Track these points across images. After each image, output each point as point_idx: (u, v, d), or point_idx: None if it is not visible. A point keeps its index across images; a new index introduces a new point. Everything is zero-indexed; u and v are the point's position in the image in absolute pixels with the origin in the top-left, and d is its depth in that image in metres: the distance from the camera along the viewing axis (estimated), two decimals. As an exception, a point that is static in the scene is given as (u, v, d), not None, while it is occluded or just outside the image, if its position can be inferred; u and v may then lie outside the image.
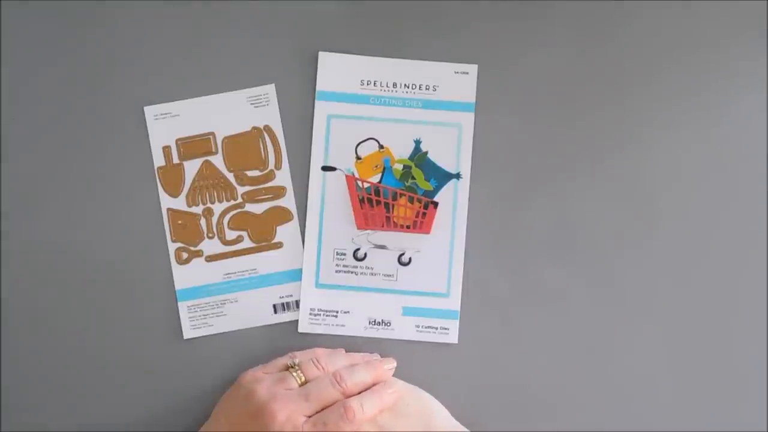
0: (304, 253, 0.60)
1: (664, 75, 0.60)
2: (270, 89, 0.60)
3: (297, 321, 0.60)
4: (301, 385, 0.55)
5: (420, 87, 0.60)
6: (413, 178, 0.60)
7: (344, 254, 0.60)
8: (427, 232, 0.60)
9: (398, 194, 0.60)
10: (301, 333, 0.60)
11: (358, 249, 0.60)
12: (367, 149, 0.60)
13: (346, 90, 0.60)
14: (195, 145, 0.60)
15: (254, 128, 0.60)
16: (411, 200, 0.60)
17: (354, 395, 0.55)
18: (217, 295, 0.60)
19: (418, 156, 0.60)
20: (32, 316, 0.59)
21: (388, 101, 0.60)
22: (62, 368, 0.59)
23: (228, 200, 0.61)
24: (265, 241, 0.60)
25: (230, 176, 0.61)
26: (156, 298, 0.60)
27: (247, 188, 0.61)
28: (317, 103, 0.60)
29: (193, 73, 0.60)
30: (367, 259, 0.60)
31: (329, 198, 0.60)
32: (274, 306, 0.60)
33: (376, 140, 0.60)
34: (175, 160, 0.60)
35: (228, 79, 0.60)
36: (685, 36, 0.60)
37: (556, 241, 0.60)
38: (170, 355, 0.60)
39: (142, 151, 0.60)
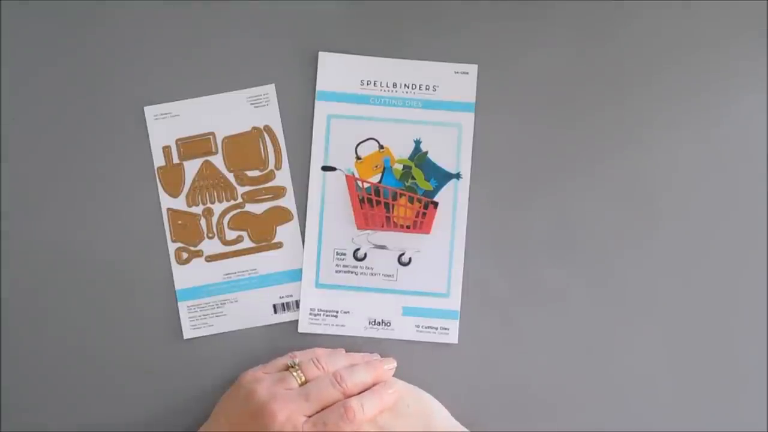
0: (304, 253, 0.60)
1: (664, 75, 0.60)
2: (270, 89, 0.60)
3: (297, 321, 0.60)
4: (301, 385, 0.55)
5: (420, 87, 0.60)
6: (413, 178, 0.60)
7: (344, 254, 0.60)
8: (427, 232, 0.60)
9: (398, 194, 0.60)
10: (301, 333, 0.60)
11: (358, 249, 0.60)
12: (367, 149, 0.60)
13: (346, 90, 0.60)
14: (195, 145, 0.60)
15: (254, 128, 0.60)
16: (411, 200, 0.60)
17: (354, 395, 0.55)
18: (217, 295, 0.60)
19: (418, 156, 0.60)
20: (32, 316, 0.59)
21: (388, 101, 0.60)
22: (62, 368, 0.59)
23: (228, 200, 0.61)
24: (265, 241, 0.60)
25: (230, 176, 0.60)
26: (156, 298, 0.60)
27: (247, 188, 0.61)
28: (317, 103, 0.60)
29: (193, 73, 0.60)
30: (367, 259, 0.60)
31: (329, 198, 0.60)
32: (274, 306, 0.60)
33: (376, 140, 0.60)
34: (175, 160, 0.60)
35: (228, 79, 0.60)
36: (685, 36, 0.60)
37: (556, 241, 0.60)
38: (170, 355, 0.60)
39: (142, 151, 0.60)
